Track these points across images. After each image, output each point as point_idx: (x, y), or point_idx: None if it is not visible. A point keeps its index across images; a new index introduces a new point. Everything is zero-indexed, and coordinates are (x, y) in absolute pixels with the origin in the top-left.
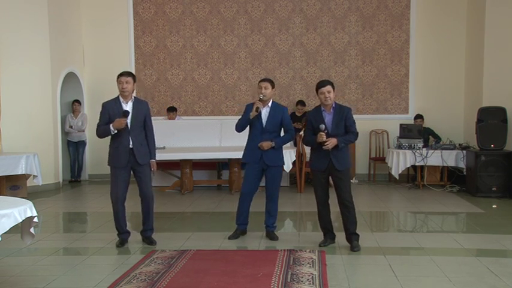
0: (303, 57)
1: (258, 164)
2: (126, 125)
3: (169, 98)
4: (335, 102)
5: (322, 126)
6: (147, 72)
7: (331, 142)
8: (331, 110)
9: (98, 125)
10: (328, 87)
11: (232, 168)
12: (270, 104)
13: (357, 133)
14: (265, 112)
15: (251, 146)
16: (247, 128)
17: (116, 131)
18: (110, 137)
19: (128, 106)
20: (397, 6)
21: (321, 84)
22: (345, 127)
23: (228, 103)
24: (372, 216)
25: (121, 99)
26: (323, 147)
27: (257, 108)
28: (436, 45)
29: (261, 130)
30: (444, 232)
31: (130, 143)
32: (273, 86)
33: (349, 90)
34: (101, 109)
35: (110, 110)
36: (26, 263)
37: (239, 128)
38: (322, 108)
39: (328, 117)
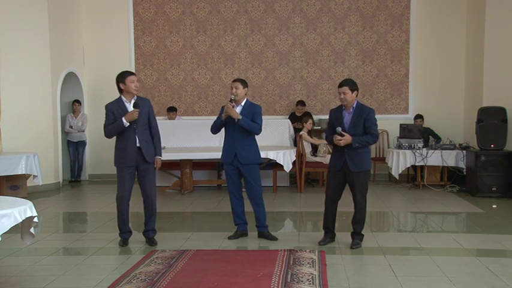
0: (303, 57)
1: (233, 164)
2: (132, 123)
3: (169, 98)
4: (357, 102)
5: (339, 129)
6: (147, 72)
7: (345, 139)
8: (351, 109)
9: (106, 125)
10: (344, 88)
11: None
12: (243, 103)
13: (377, 135)
14: (237, 111)
15: (226, 146)
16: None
17: (128, 124)
18: (114, 138)
19: (131, 105)
20: (397, 6)
21: (340, 84)
22: (364, 128)
23: None
24: (372, 216)
25: (123, 98)
26: (335, 141)
27: (227, 108)
28: (436, 45)
29: (233, 129)
30: (444, 232)
31: (137, 141)
32: (244, 86)
33: None
34: (105, 111)
35: (115, 110)
36: (26, 263)
37: (213, 130)
38: (343, 108)
39: (347, 117)
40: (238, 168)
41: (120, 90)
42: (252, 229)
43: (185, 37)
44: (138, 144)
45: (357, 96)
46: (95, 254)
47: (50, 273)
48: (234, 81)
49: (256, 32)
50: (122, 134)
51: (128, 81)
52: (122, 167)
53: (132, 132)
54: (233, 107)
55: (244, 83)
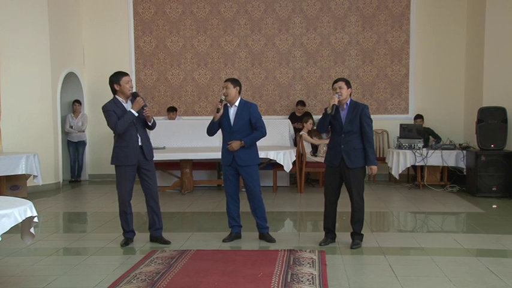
0: (303, 57)
1: (231, 166)
2: (133, 123)
3: (169, 98)
4: (351, 99)
5: (336, 95)
6: (147, 72)
7: (373, 169)
8: (345, 106)
9: (114, 122)
10: (340, 83)
11: None
12: (237, 103)
13: (372, 135)
14: (232, 112)
15: (224, 147)
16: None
17: (137, 114)
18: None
19: (128, 104)
20: (397, 6)
21: (335, 80)
22: (361, 126)
23: None
24: (372, 216)
25: (119, 99)
26: (371, 172)
27: (218, 109)
28: (436, 45)
29: (229, 131)
30: (444, 232)
31: (139, 140)
32: (235, 85)
33: None
34: (105, 113)
35: (115, 109)
36: (26, 263)
37: (208, 132)
38: (339, 105)
39: (342, 113)
40: (236, 169)
41: (115, 91)
42: (253, 229)
43: (185, 37)
44: (140, 144)
45: (351, 94)
46: (95, 254)
47: (50, 273)
48: (225, 81)
49: (256, 32)
50: (124, 132)
51: (123, 82)
52: (124, 165)
53: (135, 131)
54: (224, 106)
55: (235, 82)
